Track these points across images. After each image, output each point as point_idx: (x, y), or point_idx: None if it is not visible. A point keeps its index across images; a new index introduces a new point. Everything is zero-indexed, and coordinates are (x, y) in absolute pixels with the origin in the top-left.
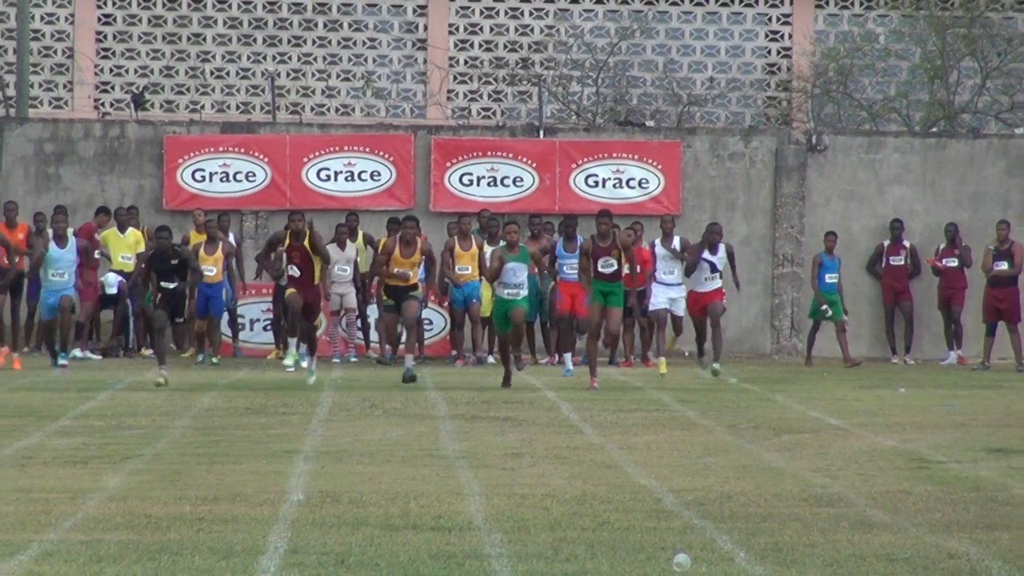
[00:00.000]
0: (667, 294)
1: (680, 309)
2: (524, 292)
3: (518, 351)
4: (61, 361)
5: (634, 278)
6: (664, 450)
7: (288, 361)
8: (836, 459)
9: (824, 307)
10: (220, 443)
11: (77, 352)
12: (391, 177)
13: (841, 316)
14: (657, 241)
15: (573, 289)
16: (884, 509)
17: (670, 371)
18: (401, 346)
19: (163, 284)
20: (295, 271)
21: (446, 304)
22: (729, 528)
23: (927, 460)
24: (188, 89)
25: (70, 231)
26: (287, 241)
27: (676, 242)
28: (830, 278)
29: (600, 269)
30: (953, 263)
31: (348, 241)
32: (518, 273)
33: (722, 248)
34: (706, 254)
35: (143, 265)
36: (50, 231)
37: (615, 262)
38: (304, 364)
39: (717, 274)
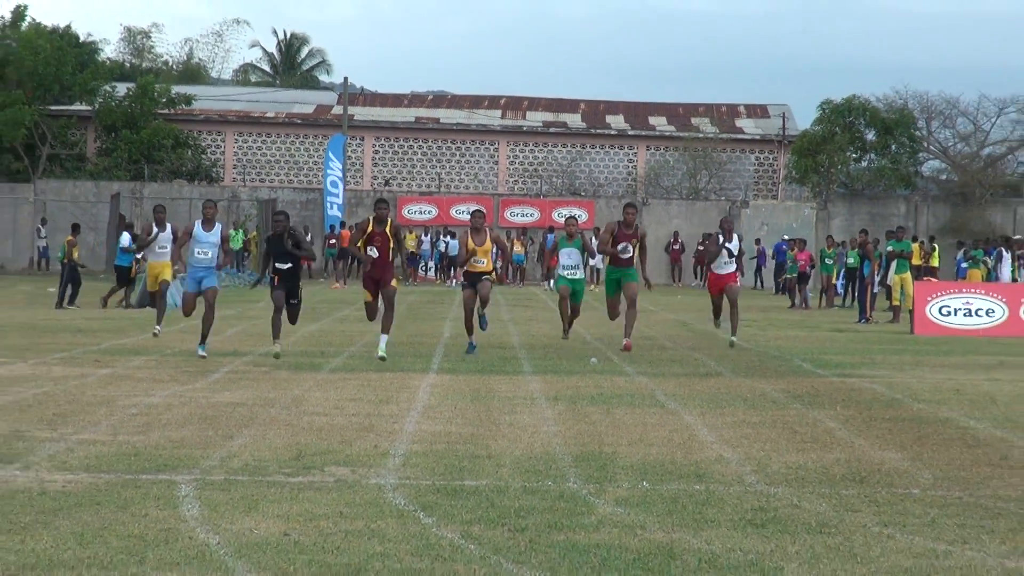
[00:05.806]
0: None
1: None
2: (580, 274)
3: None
4: (200, 352)
5: (644, 264)
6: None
7: (381, 354)
8: (655, 326)
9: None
10: (417, 313)
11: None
12: (485, 213)
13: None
14: (721, 238)
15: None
16: (677, 342)
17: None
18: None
19: (277, 265)
20: (374, 252)
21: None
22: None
23: (687, 324)
24: (397, 177)
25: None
26: (371, 228)
27: (736, 240)
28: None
29: (620, 255)
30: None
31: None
32: (572, 256)
33: (736, 238)
34: (723, 241)
35: (264, 247)
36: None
37: (631, 249)
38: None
39: (733, 259)
